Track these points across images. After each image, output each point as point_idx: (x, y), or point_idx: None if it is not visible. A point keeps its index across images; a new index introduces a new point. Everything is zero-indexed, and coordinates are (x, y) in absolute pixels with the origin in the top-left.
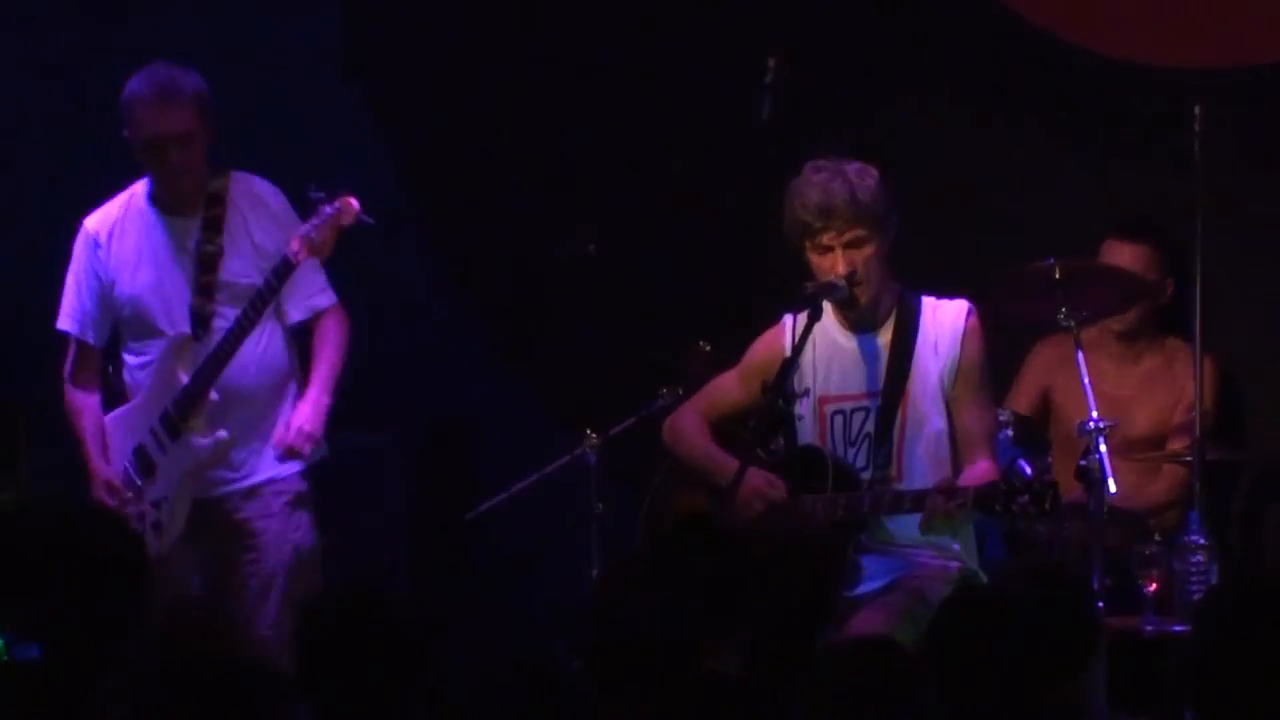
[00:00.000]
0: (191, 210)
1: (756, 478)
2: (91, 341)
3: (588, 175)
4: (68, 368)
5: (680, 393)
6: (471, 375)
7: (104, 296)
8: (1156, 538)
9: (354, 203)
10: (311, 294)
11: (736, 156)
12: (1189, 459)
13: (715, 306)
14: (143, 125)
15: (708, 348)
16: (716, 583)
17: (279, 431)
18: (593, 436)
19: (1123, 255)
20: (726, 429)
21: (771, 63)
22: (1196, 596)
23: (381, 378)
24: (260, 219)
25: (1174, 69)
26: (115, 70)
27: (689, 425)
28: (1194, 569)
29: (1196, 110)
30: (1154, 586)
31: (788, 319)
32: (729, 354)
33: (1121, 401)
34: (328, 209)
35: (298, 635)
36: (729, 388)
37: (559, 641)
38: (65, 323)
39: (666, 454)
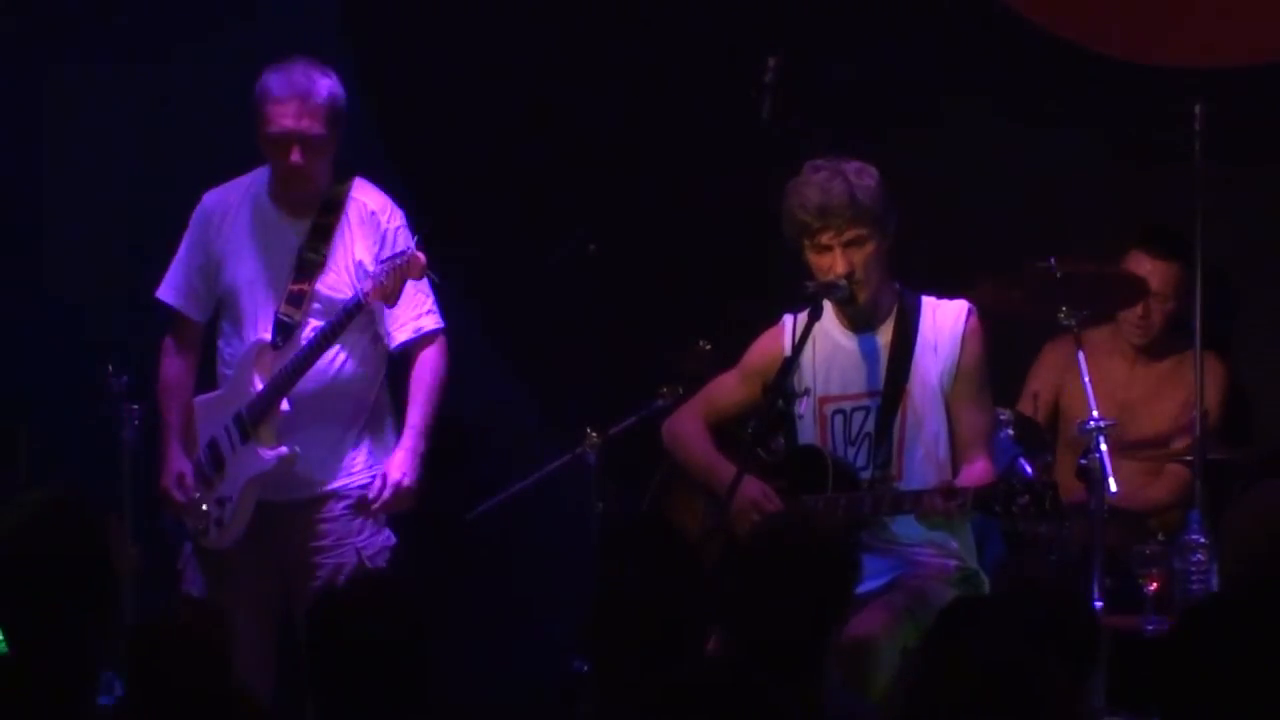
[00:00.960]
0: (306, 213)
1: (752, 488)
2: (194, 316)
3: (587, 175)
4: (168, 340)
5: (680, 393)
6: (471, 375)
7: (209, 274)
8: (1160, 537)
9: (421, 258)
10: (418, 316)
11: (736, 156)
12: (1189, 459)
13: (715, 306)
14: (270, 121)
15: (708, 348)
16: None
17: (375, 486)
18: (593, 436)
19: (1146, 268)
20: (727, 429)
21: (771, 63)
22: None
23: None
24: (367, 236)
25: (1174, 69)
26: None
27: (687, 429)
28: (1194, 569)
29: (1196, 110)
30: (1154, 586)
31: (787, 319)
32: (729, 354)
33: (1131, 404)
34: (397, 259)
35: (306, 629)
36: (729, 388)
37: (560, 641)
38: (164, 293)
39: (666, 454)
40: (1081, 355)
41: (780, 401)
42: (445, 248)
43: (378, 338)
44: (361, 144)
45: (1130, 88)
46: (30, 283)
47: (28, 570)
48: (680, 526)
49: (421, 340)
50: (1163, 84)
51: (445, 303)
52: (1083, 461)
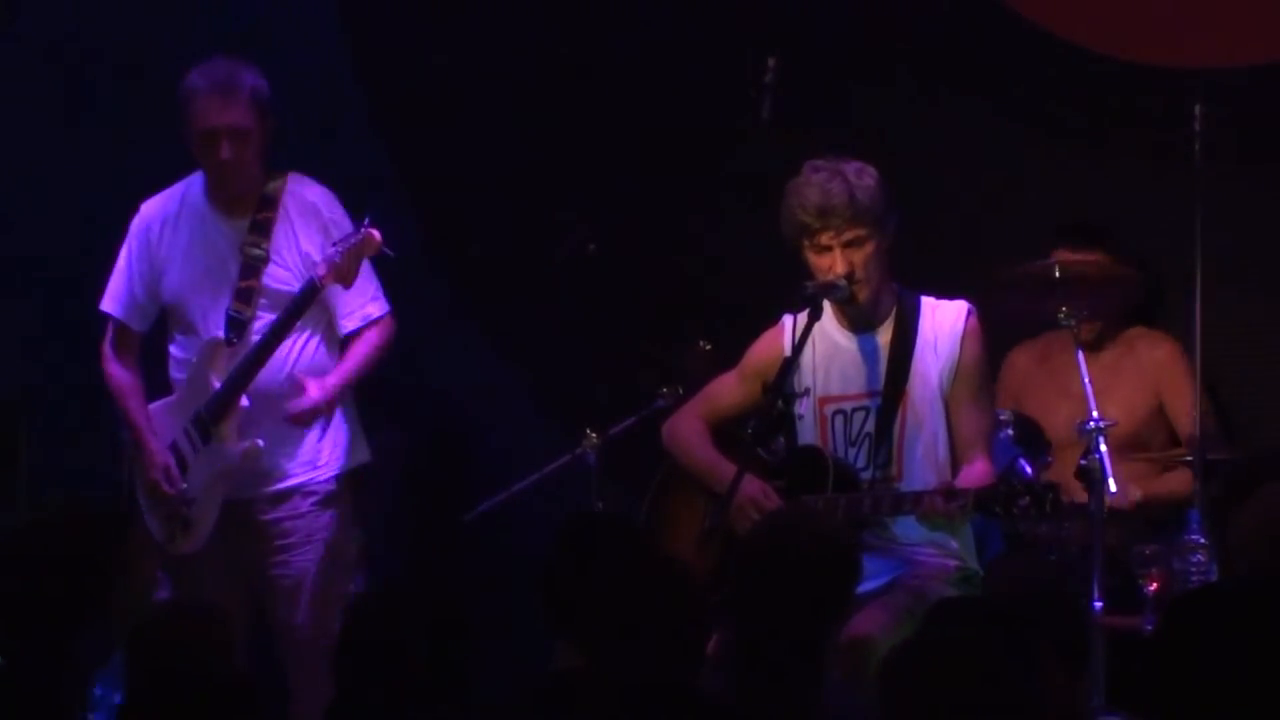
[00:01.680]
0: (243, 211)
1: (751, 486)
2: (134, 327)
3: (588, 175)
4: (107, 348)
5: (680, 393)
6: (471, 375)
7: (151, 285)
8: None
9: (376, 234)
10: (364, 303)
11: (736, 156)
12: (1189, 459)
13: (715, 306)
14: (198, 118)
15: (708, 347)
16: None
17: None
18: (593, 436)
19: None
20: (727, 429)
21: (771, 63)
22: None
23: (381, 378)
24: (308, 227)
25: (1174, 69)
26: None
27: (687, 429)
28: (1194, 568)
29: (1196, 110)
30: (1154, 586)
31: (787, 319)
32: (729, 354)
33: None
34: (351, 237)
35: (340, 634)
36: (729, 389)
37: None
38: (109, 304)
39: (666, 454)
40: (1081, 355)
41: (780, 402)
42: (446, 248)
43: (332, 326)
44: (361, 143)
45: (1130, 88)
46: (30, 282)
47: (19, 584)
48: (680, 526)
49: (367, 325)
50: (1163, 84)
51: (444, 303)
52: (1083, 462)
